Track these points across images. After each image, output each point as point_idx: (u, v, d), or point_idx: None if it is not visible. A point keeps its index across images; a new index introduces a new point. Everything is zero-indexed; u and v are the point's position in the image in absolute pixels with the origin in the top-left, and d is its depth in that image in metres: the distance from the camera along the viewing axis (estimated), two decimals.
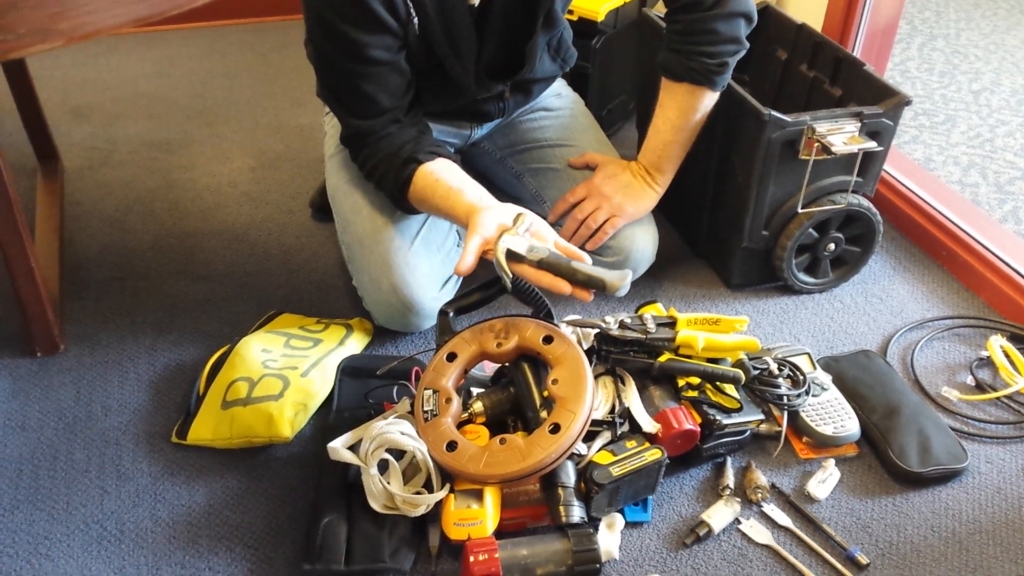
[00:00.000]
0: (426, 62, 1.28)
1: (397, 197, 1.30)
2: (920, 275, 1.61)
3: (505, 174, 1.59)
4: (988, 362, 1.41)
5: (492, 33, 1.29)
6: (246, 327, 1.44)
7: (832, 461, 1.22)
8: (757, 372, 1.23)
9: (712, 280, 1.59)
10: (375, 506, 1.08)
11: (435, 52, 1.26)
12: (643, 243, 1.44)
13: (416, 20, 1.20)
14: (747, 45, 1.33)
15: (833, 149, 1.33)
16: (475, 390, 1.20)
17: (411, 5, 1.19)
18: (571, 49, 1.49)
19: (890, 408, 1.27)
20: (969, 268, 1.57)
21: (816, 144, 1.35)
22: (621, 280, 1.11)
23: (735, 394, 1.20)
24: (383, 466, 1.10)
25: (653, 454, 1.11)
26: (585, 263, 1.14)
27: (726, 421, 1.17)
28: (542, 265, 1.12)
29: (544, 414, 1.10)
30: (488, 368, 1.27)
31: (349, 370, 1.32)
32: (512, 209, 1.18)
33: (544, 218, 1.51)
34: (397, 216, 1.36)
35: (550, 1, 1.27)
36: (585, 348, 1.19)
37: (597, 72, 1.79)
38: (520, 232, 1.13)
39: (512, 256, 1.12)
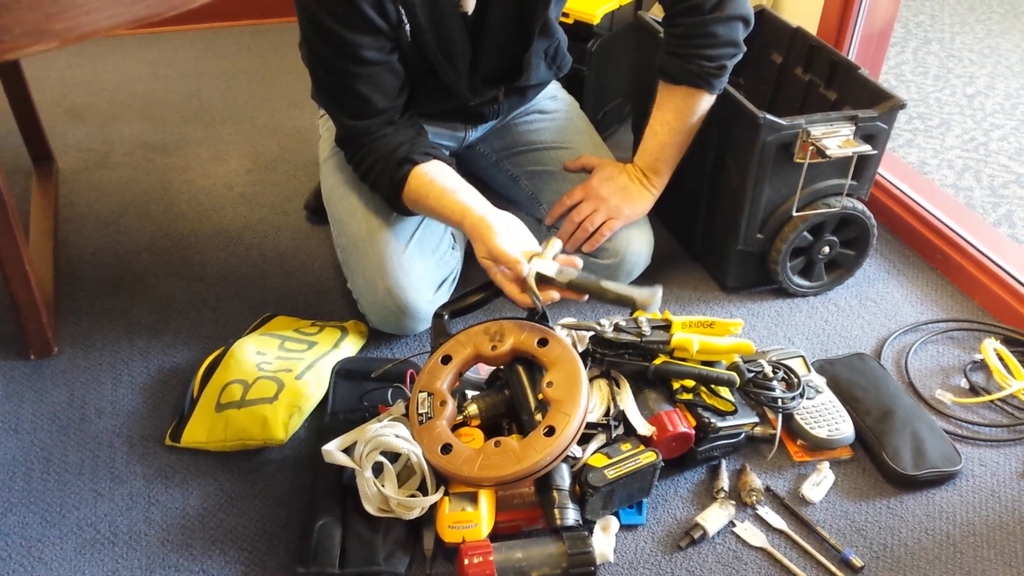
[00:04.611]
0: (419, 67, 1.28)
1: (391, 198, 1.30)
2: (914, 278, 1.61)
3: (501, 177, 1.59)
4: (982, 365, 1.41)
5: (488, 43, 1.29)
6: (241, 329, 1.43)
7: (826, 464, 1.22)
8: (752, 375, 1.23)
9: (707, 283, 1.59)
10: (370, 509, 1.08)
11: (428, 58, 1.26)
12: (639, 245, 1.45)
13: (408, 26, 1.21)
14: (744, 48, 1.33)
15: (828, 152, 1.33)
16: (470, 393, 1.20)
17: (402, 11, 1.19)
18: (566, 56, 1.49)
19: (884, 411, 1.27)
20: (963, 271, 1.57)
21: (811, 147, 1.35)
22: (651, 297, 1.14)
23: (730, 397, 1.21)
24: (378, 469, 1.10)
25: (648, 457, 1.11)
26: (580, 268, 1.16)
27: (721, 424, 1.17)
28: (571, 286, 1.15)
29: (539, 417, 1.10)
30: (483, 371, 1.28)
31: (344, 372, 1.32)
32: (513, 221, 1.19)
33: (540, 221, 1.52)
34: (392, 219, 1.36)
35: (545, 11, 1.27)
36: (580, 351, 1.19)
37: (593, 75, 1.79)
38: (548, 256, 1.16)
39: (541, 279, 1.14)
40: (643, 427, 1.15)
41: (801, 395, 1.25)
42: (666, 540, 1.14)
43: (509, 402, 1.15)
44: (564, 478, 1.08)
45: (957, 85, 2.48)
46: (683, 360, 1.21)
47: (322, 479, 1.14)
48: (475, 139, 1.56)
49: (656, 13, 1.61)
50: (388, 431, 1.10)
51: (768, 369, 1.24)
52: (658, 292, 1.15)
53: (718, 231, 1.53)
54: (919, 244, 1.67)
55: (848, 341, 1.46)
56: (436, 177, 1.25)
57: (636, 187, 1.43)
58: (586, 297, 1.18)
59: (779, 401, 1.23)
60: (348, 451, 1.12)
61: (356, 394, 1.27)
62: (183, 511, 1.16)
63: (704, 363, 1.21)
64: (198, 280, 1.57)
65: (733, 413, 1.19)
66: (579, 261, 1.19)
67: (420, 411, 1.12)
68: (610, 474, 1.08)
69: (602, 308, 1.51)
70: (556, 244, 1.18)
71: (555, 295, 1.18)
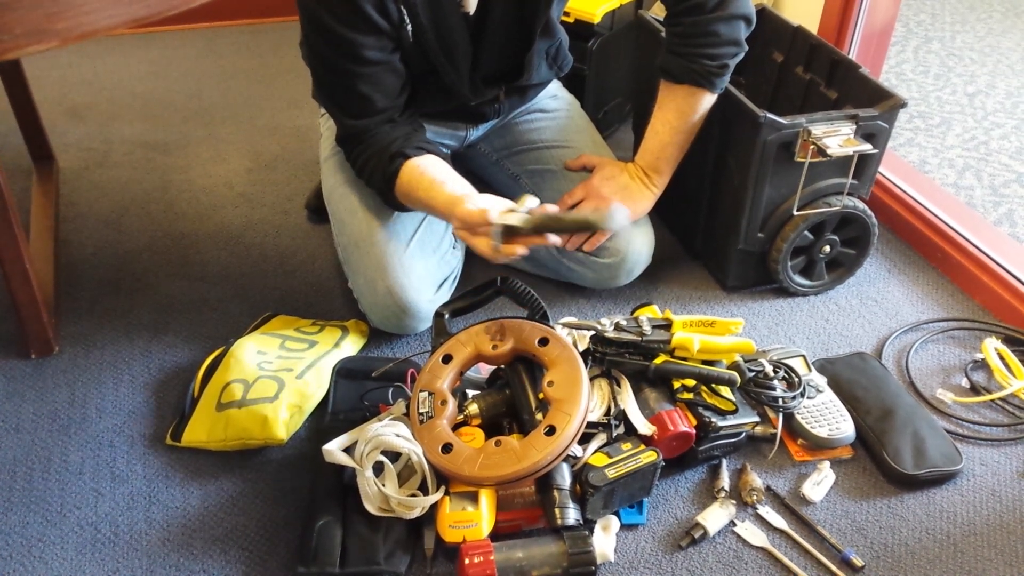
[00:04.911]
0: (420, 67, 1.28)
1: (384, 192, 1.30)
2: (915, 277, 1.61)
3: (502, 176, 1.59)
4: (983, 364, 1.41)
5: (489, 42, 1.29)
6: (241, 329, 1.43)
7: (827, 463, 1.22)
8: (752, 374, 1.23)
9: (708, 282, 1.59)
10: (370, 508, 1.08)
11: (429, 58, 1.26)
12: (639, 244, 1.45)
13: (409, 26, 1.20)
14: (746, 47, 1.33)
15: (828, 151, 1.33)
16: (471, 392, 1.20)
17: (404, 11, 1.19)
18: (568, 56, 1.49)
19: (885, 410, 1.27)
20: (964, 270, 1.57)
21: (811, 146, 1.35)
22: (607, 215, 1.08)
23: (730, 396, 1.21)
24: (378, 468, 1.10)
25: (648, 456, 1.11)
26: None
27: (721, 423, 1.17)
28: (536, 230, 1.12)
29: (540, 416, 1.10)
30: (484, 370, 1.28)
31: (345, 372, 1.32)
32: (490, 195, 1.19)
33: None
34: (393, 218, 1.36)
35: (546, 10, 1.27)
36: (580, 350, 1.19)
37: (593, 74, 1.79)
38: (522, 212, 1.14)
39: (509, 231, 1.12)
40: (644, 426, 1.15)
41: (802, 394, 1.25)
42: (667, 539, 1.14)
43: (510, 401, 1.15)
44: (565, 477, 1.08)
45: (958, 84, 2.48)
46: (684, 359, 1.21)
47: (322, 479, 1.14)
48: (476, 138, 1.56)
49: (657, 12, 1.60)
50: (389, 430, 1.09)
51: (769, 368, 1.24)
52: (616, 209, 1.09)
53: (719, 230, 1.53)
54: (920, 243, 1.67)
55: (849, 340, 1.46)
56: (427, 170, 1.25)
57: (637, 186, 1.43)
58: (557, 240, 1.16)
59: (780, 400, 1.23)
60: (349, 450, 1.12)
61: (357, 393, 1.27)
62: (184, 511, 1.16)
63: (705, 362, 1.21)
64: (198, 280, 1.57)
65: (734, 412, 1.19)
66: (551, 208, 1.17)
67: (421, 410, 1.12)
68: (611, 473, 1.08)
69: (602, 307, 1.51)
70: (529, 200, 1.16)
71: (520, 249, 1.15)
